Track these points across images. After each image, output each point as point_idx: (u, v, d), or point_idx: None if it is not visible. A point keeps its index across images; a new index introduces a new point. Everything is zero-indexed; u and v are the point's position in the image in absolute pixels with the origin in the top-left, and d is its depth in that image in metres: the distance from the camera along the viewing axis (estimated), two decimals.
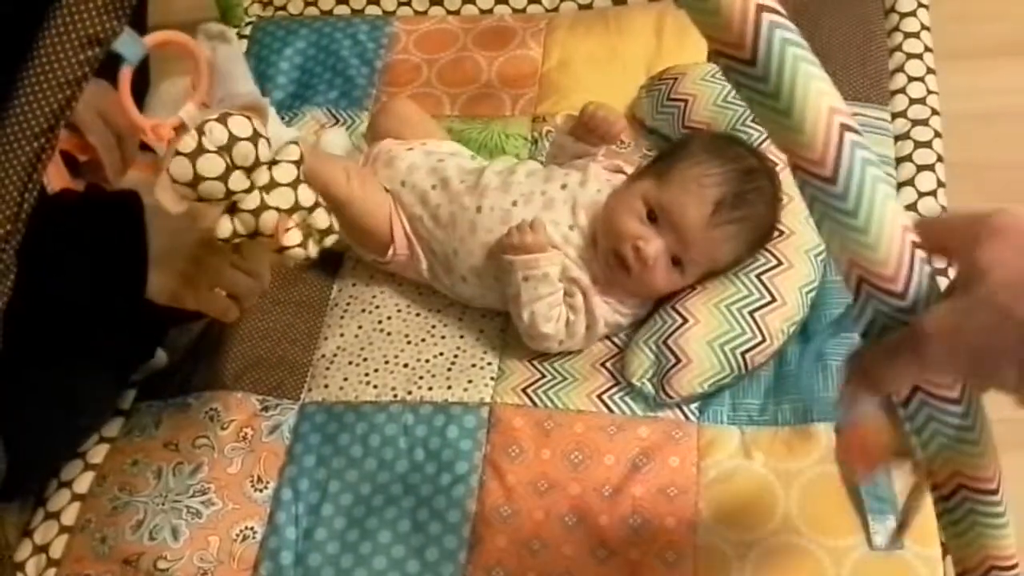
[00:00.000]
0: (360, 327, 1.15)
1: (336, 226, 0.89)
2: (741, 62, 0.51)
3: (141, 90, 1.12)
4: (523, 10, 1.46)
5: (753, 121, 1.14)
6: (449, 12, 1.46)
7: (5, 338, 0.84)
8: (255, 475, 1.04)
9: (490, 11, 1.46)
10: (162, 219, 0.92)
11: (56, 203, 0.95)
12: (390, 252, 1.13)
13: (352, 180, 1.11)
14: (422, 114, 1.23)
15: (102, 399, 1.10)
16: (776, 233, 1.07)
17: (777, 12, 0.52)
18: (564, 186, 1.10)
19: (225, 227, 0.82)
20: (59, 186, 0.87)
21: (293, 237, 0.85)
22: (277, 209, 0.83)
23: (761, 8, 0.51)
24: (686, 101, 1.20)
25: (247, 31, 1.47)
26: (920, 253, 0.52)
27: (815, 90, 0.51)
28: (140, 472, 1.06)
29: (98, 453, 1.09)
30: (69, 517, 1.05)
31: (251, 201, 0.82)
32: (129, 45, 0.71)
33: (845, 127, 0.51)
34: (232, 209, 0.82)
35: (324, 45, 1.43)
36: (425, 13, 1.47)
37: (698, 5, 0.52)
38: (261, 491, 1.03)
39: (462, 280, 1.11)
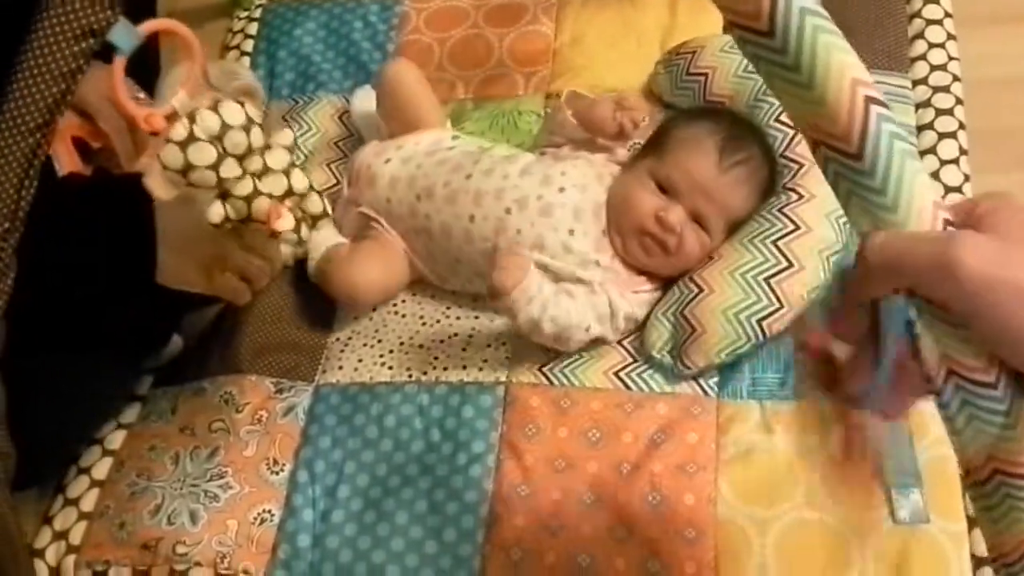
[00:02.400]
0: (374, 310, 1.14)
1: (330, 209, 0.89)
2: (758, 33, 0.49)
3: (152, 76, 1.12)
4: None
5: None
6: None
7: (19, 325, 0.84)
8: (271, 457, 1.04)
9: None
10: (171, 203, 0.92)
11: (64, 188, 0.95)
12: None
13: (381, 272, 1.11)
14: (419, 82, 1.19)
15: (117, 386, 1.10)
16: (795, 196, 1.05)
17: None
18: (562, 189, 1.06)
19: (217, 212, 0.82)
20: (69, 169, 0.87)
21: (286, 222, 0.84)
22: (270, 195, 0.83)
23: None
24: (706, 75, 1.18)
25: (257, 14, 1.46)
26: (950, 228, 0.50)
27: (837, 61, 0.48)
28: (157, 457, 1.06)
29: (116, 439, 1.09)
30: (88, 503, 1.05)
31: (243, 188, 0.82)
32: (123, 35, 0.70)
33: (870, 100, 0.48)
34: (224, 195, 0.82)
35: (335, 28, 1.42)
36: None
37: None
38: (277, 474, 1.03)
39: (469, 282, 1.10)
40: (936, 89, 1.19)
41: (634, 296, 1.05)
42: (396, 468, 1.01)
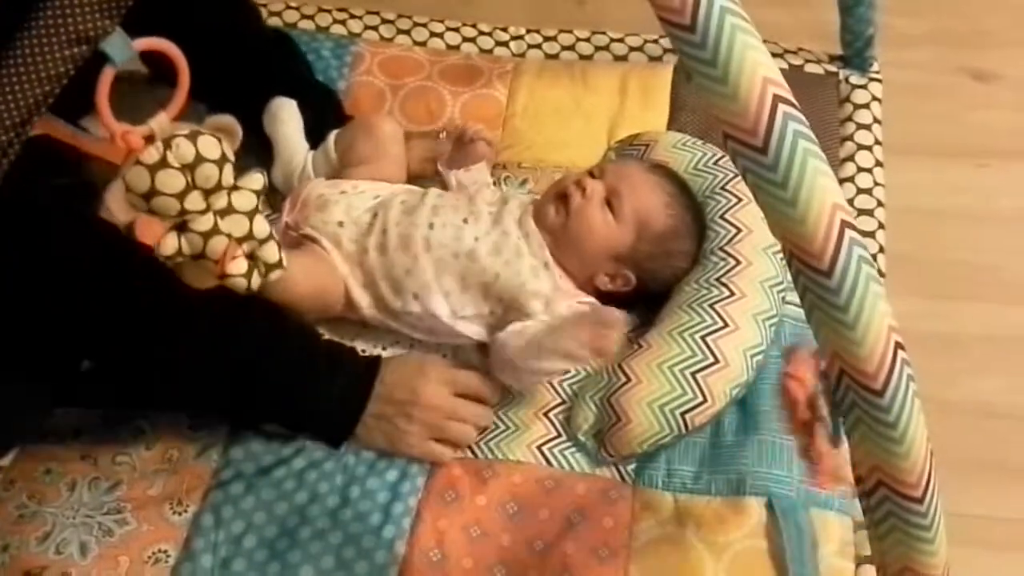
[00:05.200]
0: None
1: (285, 262, 0.88)
2: (751, 148, 0.53)
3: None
4: (490, 51, 1.46)
5: (723, 188, 1.16)
6: (416, 43, 1.46)
7: None
8: (176, 497, 1.00)
9: (457, 48, 1.46)
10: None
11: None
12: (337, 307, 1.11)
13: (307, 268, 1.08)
14: (401, 139, 1.21)
15: (25, 402, 1.04)
16: (726, 293, 1.08)
17: (792, 104, 0.53)
18: (506, 200, 1.13)
19: (170, 244, 0.80)
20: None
21: (239, 266, 0.83)
22: (228, 235, 0.81)
23: (778, 99, 0.52)
24: None
25: None
26: (902, 353, 0.55)
27: (821, 186, 0.53)
28: (52, 482, 1.01)
29: (6, 455, 1.03)
30: None
31: (203, 223, 0.80)
32: (117, 46, 0.68)
33: (846, 224, 0.53)
34: (182, 227, 0.80)
35: None
36: (391, 40, 1.46)
37: (716, 88, 0.53)
38: (180, 514, 0.99)
39: (414, 298, 1.08)
40: (860, 212, 1.25)
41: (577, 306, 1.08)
42: (308, 520, 0.99)
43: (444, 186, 1.20)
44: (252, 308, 0.96)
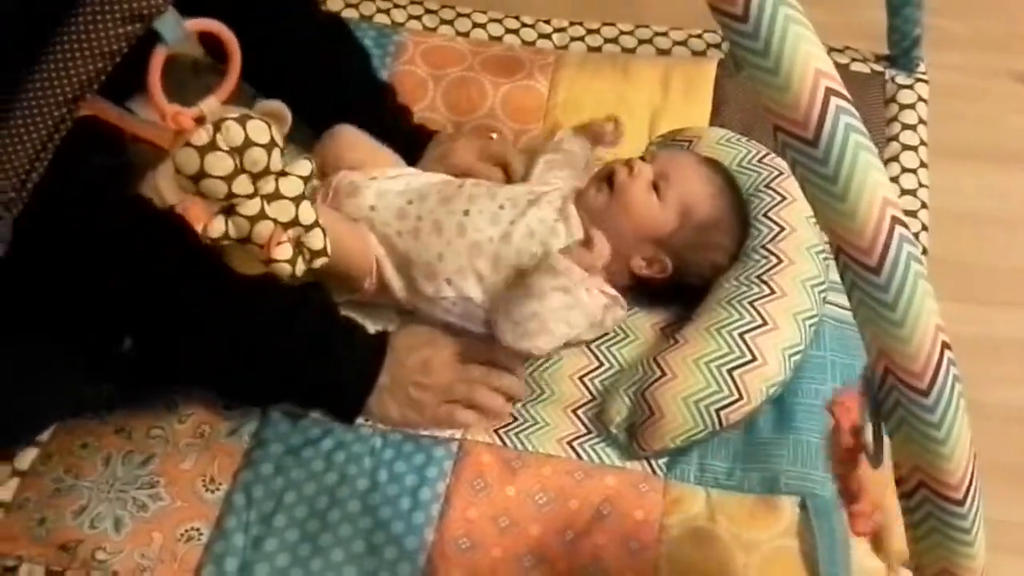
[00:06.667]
0: None
1: (329, 249, 0.88)
2: (802, 141, 0.52)
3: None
4: (532, 43, 1.46)
5: (767, 186, 1.15)
6: (459, 33, 1.46)
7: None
8: (208, 475, 1.01)
9: (499, 39, 1.46)
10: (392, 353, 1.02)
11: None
12: (367, 283, 1.11)
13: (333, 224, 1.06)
14: (372, 144, 1.19)
15: (65, 377, 1.05)
16: (766, 291, 1.07)
17: (845, 98, 0.53)
18: (547, 191, 1.13)
19: (217, 227, 0.81)
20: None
21: (284, 252, 0.84)
22: (275, 221, 0.82)
23: (831, 92, 0.52)
24: None
25: None
26: (948, 353, 0.54)
27: (872, 181, 0.52)
28: (88, 456, 1.02)
29: (44, 432, 1.05)
30: (7, 493, 1.00)
31: (250, 207, 0.81)
32: (170, 25, 0.69)
33: (896, 220, 0.52)
34: (229, 210, 0.81)
35: None
36: (434, 31, 1.46)
37: (767, 80, 0.52)
38: (213, 492, 1.00)
39: (447, 283, 1.08)
40: (905, 212, 1.23)
41: (598, 294, 1.06)
42: (338, 503, 0.99)
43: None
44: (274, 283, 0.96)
